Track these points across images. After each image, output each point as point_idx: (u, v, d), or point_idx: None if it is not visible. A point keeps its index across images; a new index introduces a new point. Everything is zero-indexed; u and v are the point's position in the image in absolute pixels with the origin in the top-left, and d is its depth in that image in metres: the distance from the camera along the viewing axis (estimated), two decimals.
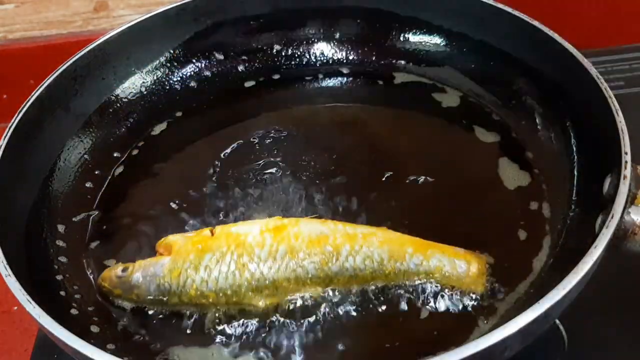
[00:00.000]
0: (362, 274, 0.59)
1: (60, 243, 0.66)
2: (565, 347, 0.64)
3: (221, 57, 0.85)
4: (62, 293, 0.60)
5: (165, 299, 0.59)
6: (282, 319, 0.58)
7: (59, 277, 0.62)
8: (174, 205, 0.70)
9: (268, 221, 0.61)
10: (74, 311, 0.59)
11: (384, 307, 0.59)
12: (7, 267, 0.54)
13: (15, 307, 0.79)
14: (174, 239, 0.61)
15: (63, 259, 0.64)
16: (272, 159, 0.74)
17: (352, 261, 0.58)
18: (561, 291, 0.48)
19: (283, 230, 0.60)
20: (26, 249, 0.62)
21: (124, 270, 0.60)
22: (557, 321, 0.65)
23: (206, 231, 0.61)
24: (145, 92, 0.81)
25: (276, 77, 0.86)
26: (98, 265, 0.65)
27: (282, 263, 0.58)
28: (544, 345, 0.64)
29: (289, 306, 0.59)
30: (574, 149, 0.67)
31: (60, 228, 0.67)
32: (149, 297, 0.59)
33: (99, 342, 0.51)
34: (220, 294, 0.58)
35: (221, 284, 0.58)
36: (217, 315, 0.59)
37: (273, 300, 0.58)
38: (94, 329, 0.58)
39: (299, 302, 0.59)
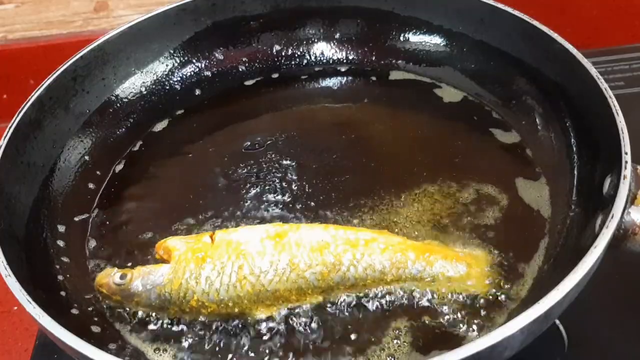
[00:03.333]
0: (364, 282, 0.59)
1: (60, 243, 0.66)
2: (565, 347, 0.64)
3: (221, 57, 0.85)
4: (63, 293, 0.60)
5: (165, 308, 0.58)
6: (283, 326, 0.58)
7: (60, 277, 0.62)
8: (174, 205, 0.70)
9: (268, 227, 0.61)
10: (74, 311, 0.59)
11: (384, 310, 0.59)
12: (7, 267, 0.54)
13: (15, 307, 0.79)
14: (173, 244, 0.60)
15: (63, 259, 0.64)
16: (272, 159, 0.74)
17: (353, 271, 0.58)
18: (561, 291, 0.48)
19: (284, 237, 0.59)
20: (26, 249, 0.62)
21: (122, 277, 0.59)
22: (557, 321, 0.65)
23: (206, 237, 0.61)
24: (145, 92, 0.81)
25: (276, 76, 0.86)
26: (99, 266, 0.65)
27: (283, 275, 0.57)
28: (544, 345, 0.64)
29: (290, 313, 0.59)
30: (574, 149, 0.67)
31: (61, 228, 0.67)
32: (149, 305, 0.59)
33: (99, 342, 0.51)
34: (222, 305, 0.57)
35: (222, 295, 0.57)
36: (217, 320, 0.59)
37: (274, 310, 0.58)
38: (95, 329, 0.58)
39: (300, 310, 0.59)
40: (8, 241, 0.59)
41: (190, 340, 0.58)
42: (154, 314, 0.59)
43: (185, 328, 0.59)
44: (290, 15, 0.85)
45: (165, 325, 0.59)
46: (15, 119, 0.67)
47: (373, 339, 0.57)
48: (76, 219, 0.69)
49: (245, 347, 0.57)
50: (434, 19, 0.82)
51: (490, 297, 0.59)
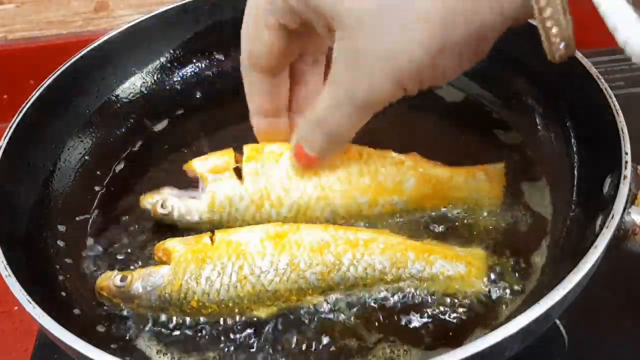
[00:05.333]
0: (364, 282, 0.59)
1: (60, 243, 0.66)
2: (565, 347, 0.64)
3: (221, 57, 0.85)
4: (63, 293, 0.60)
5: (166, 309, 0.58)
6: (285, 327, 0.58)
7: (60, 278, 0.62)
8: None
9: (268, 228, 0.61)
10: (75, 311, 0.59)
11: (384, 310, 0.59)
12: (7, 267, 0.55)
13: (16, 307, 0.79)
14: (172, 245, 0.60)
15: (64, 259, 0.64)
16: None
17: (353, 270, 0.58)
18: (561, 291, 0.48)
19: (284, 237, 0.59)
20: (26, 249, 0.62)
21: (122, 279, 0.59)
22: (557, 321, 0.65)
23: (206, 238, 0.61)
24: (145, 92, 0.81)
25: None
26: (99, 266, 0.65)
27: (283, 275, 0.58)
28: (544, 345, 0.64)
29: (290, 314, 0.59)
30: (574, 149, 0.67)
31: (61, 228, 0.67)
32: (149, 307, 0.59)
33: (100, 343, 0.50)
34: (222, 305, 0.58)
35: (222, 295, 0.57)
36: (219, 322, 0.59)
37: (274, 310, 0.58)
38: (95, 329, 0.58)
39: (300, 310, 0.59)
40: (8, 241, 0.59)
41: (192, 343, 0.58)
42: (157, 316, 0.59)
43: (188, 331, 0.58)
44: None
45: (168, 328, 0.59)
46: (15, 119, 0.67)
47: (373, 339, 0.57)
48: (76, 219, 0.69)
49: (246, 348, 0.57)
50: None
51: (490, 296, 0.59)
